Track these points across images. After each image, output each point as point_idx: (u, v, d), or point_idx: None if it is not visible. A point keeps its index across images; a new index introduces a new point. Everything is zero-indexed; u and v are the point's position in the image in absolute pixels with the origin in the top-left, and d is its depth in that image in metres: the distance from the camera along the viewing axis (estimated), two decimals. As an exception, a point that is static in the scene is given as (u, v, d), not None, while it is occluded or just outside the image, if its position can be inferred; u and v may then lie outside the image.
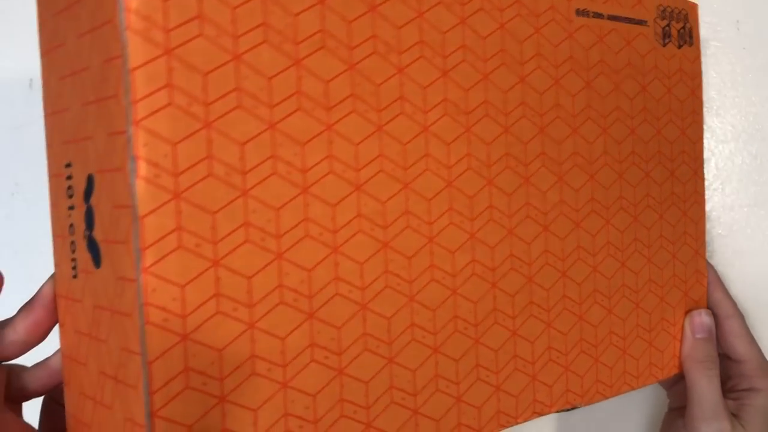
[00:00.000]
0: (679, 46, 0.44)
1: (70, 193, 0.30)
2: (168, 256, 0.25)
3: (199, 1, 0.26)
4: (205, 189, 0.26)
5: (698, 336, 0.44)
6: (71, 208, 0.30)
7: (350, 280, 0.30)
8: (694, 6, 0.45)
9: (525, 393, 0.36)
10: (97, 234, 0.28)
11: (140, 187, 0.25)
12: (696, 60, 0.45)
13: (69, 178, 0.30)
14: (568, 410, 0.39)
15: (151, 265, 0.25)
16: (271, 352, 0.28)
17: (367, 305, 0.31)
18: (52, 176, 0.31)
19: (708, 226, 0.52)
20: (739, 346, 0.45)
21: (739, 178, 0.52)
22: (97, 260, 0.28)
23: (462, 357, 0.34)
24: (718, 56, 0.52)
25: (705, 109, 0.52)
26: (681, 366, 0.44)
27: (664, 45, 0.43)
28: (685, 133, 0.44)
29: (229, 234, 0.27)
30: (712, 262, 0.52)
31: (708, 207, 0.52)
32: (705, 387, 0.43)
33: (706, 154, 0.52)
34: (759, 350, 0.46)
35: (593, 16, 0.39)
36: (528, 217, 0.36)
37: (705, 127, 0.51)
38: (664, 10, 0.43)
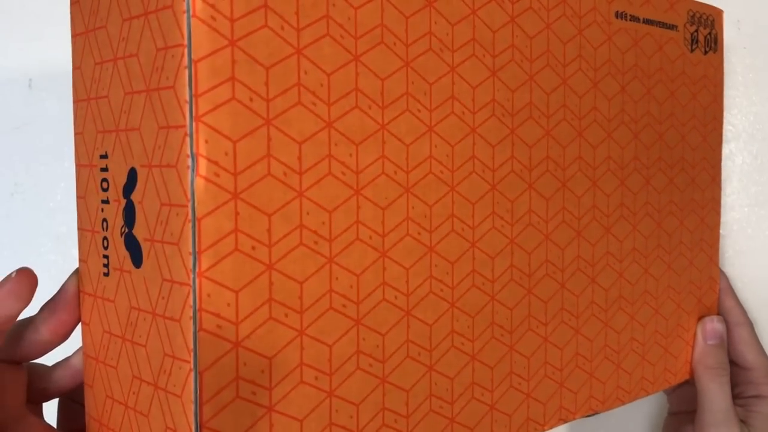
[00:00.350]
0: (705, 53, 0.44)
1: (104, 186, 0.28)
2: (224, 259, 0.24)
3: (263, -10, 0.25)
4: (263, 189, 0.25)
5: (710, 342, 0.44)
6: (105, 201, 0.28)
7: (396, 285, 0.29)
8: (720, 12, 0.45)
9: (552, 400, 0.36)
10: (139, 232, 0.26)
11: (199, 186, 0.23)
12: (719, 67, 0.45)
13: (104, 170, 0.28)
14: (588, 416, 0.39)
15: (208, 269, 0.24)
16: (319, 359, 0.27)
17: (411, 311, 0.30)
18: (81, 166, 0.29)
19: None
20: (748, 354, 0.46)
21: (739, 177, 0.53)
22: (137, 259, 0.26)
23: (497, 364, 0.33)
24: (718, 56, 0.52)
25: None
26: (691, 372, 0.44)
27: (692, 51, 0.43)
28: (706, 140, 0.44)
29: (284, 237, 0.25)
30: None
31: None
32: (716, 393, 0.43)
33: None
34: (767, 358, 0.46)
35: (630, 20, 0.38)
36: (563, 222, 0.35)
37: None
38: (693, 16, 0.42)
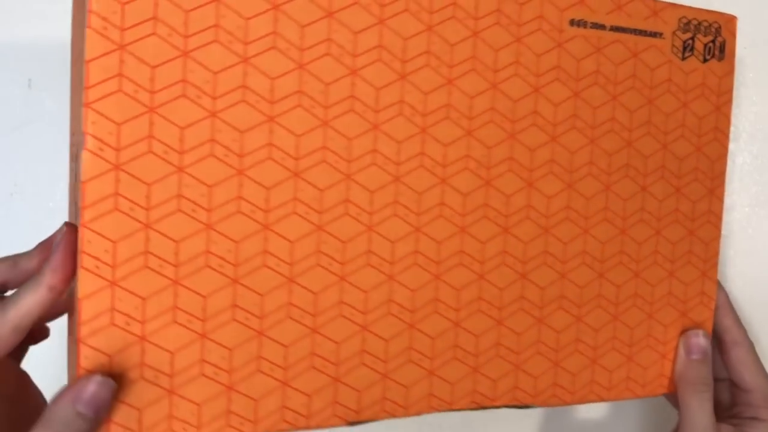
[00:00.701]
0: (704, 61, 0.42)
1: (73, 152, 0.36)
2: (104, 215, 0.31)
3: (155, 5, 0.31)
4: (144, 163, 0.31)
5: (692, 357, 0.43)
6: (72, 166, 0.36)
7: (279, 255, 0.34)
8: (731, 19, 0.43)
9: (464, 382, 0.38)
10: (75, 189, 0.34)
11: (86, 157, 0.31)
12: (726, 75, 0.43)
13: (73, 144, 0.36)
14: (520, 408, 0.40)
15: (89, 221, 0.31)
16: (193, 306, 0.33)
17: (295, 279, 0.34)
18: (71, 136, 0.38)
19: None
20: (745, 375, 0.44)
21: (740, 177, 0.52)
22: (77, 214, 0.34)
23: (393, 338, 0.37)
24: (719, 56, 0.51)
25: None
26: (671, 386, 0.44)
27: (684, 58, 0.42)
28: (701, 150, 0.43)
29: (162, 203, 0.32)
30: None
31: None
32: (696, 409, 0.42)
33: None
34: (766, 380, 0.44)
35: (591, 27, 0.39)
36: (485, 217, 0.38)
37: None
38: (687, 23, 0.42)
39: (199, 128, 0.32)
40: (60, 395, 0.30)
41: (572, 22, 0.39)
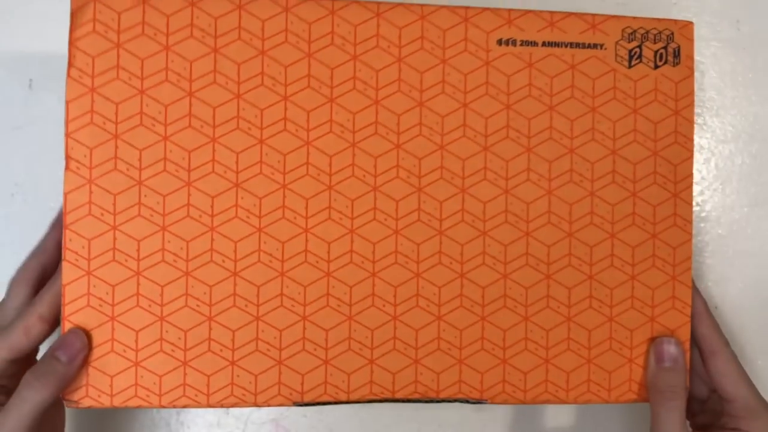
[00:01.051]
0: (656, 67, 0.43)
1: None
2: (81, 219, 0.40)
3: (117, 56, 0.40)
4: (110, 178, 0.40)
5: (662, 365, 0.43)
6: None
7: (224, 252, 0.41)
8: (687, 25, 0.43)
9: (405, 372, 0.42)
10: (82, 205, 0.43)
11: (67, 175, 0.40)
12: (684, 80, 0.43)
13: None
14: (473, 403, 0.43)
15: (70, 224, 0.40)
16: (152, 293, 0.40)
17: (238, 273, 0.41)
18: None
19: (708, 226, 0.52)
20: (726, 386, 0.43)
21: (739, 178, 0.52)
22: (82, 222, 0.43)
23: (332, 328, 0.41)
24: (718, 56, 0.52)
25: (705, 109, 0.52)
26: (642, 393, 0.44)
27: (631, 66, 0.43)
28: (658, 155, 0.43)
29: (126, 209, 0.40)
30: (712, 262, 0.52)
31: (708, 207, 0.52)
32: (664, 419, 0.42)
33: (706, 155, 0.52)
34: (748, 389, 0.43)
35: (521, 45, 0.42)
36: (418, 221, 0.42)
37: (705, 127, 0.51)
38: (632, 33, 0.43)
39: (154, 149, 0.40)
40: (46, 350, 0.39)
41: (500, 42, 0.42)
